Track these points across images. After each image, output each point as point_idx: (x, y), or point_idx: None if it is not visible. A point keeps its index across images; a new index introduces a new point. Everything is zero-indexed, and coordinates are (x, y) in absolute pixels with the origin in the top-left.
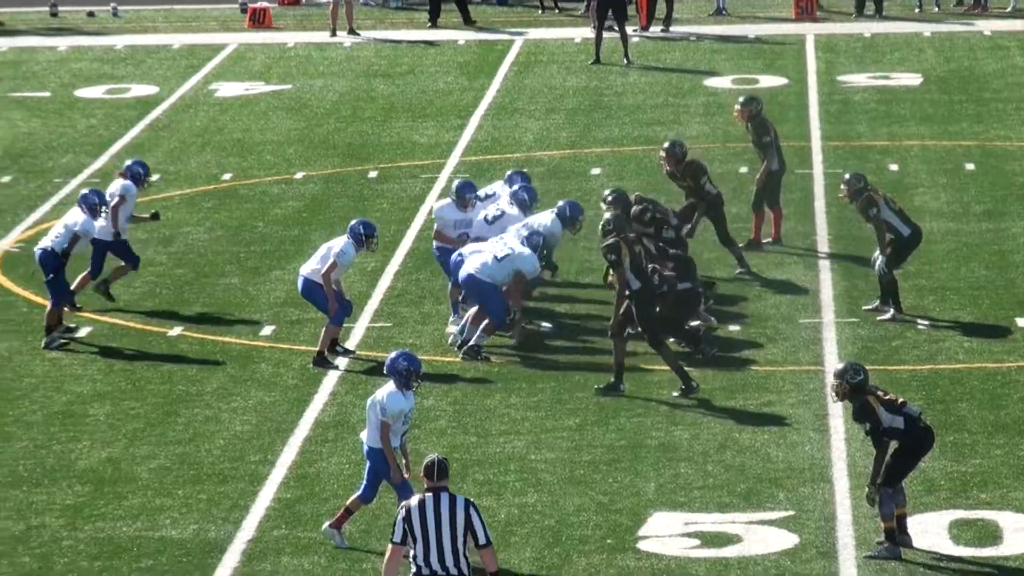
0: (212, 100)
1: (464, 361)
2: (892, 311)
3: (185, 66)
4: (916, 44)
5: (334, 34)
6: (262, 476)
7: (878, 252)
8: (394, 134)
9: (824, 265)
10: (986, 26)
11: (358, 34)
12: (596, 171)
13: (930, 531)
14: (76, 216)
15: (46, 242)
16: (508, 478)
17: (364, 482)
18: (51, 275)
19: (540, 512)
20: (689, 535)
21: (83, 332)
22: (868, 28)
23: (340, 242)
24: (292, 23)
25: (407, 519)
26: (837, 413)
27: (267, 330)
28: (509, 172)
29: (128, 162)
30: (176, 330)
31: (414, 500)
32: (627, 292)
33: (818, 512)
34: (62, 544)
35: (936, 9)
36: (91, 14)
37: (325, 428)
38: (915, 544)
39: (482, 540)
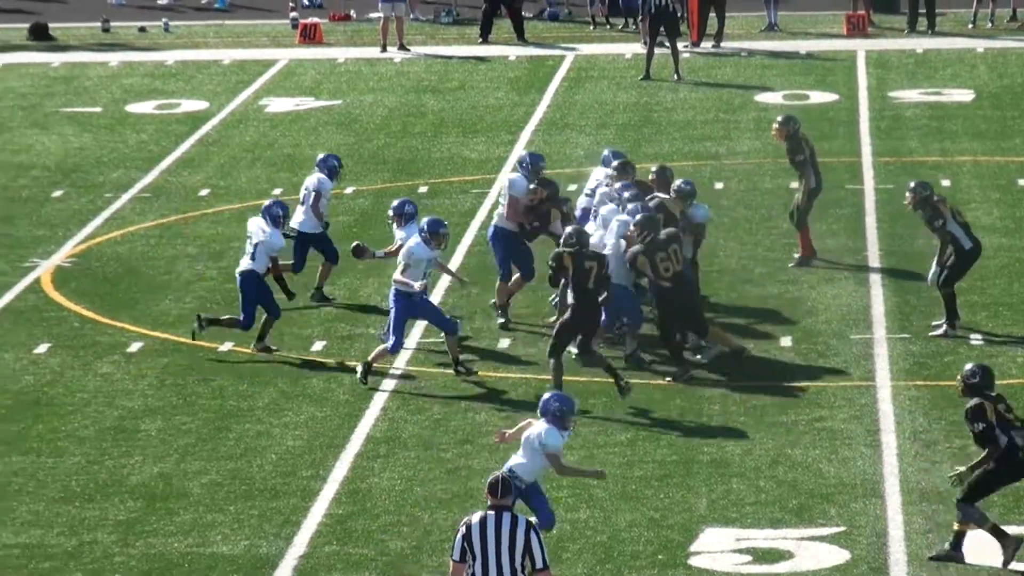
0: (262, 115)
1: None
2: (945, 326)
3: (235, 81)
4: (969, 60)
5: (384, 49)
6: (314, 491)
7: (935, 264)
8: (444, 149)
9: (875, 280)
10: None
11: (408, 50)
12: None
13: (982, 547)
14: (260, 231)
15: (245, 263)
16: (560, 494)
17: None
18: (250, 296)
19: (592, 528)
20: (741, 551)
21: (134, 347)
22: (920, 44)
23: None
24: (343, 39)
25: (467, 536)
26: (889, 428)
27: (318, 345)
28: (605, 152)
29: (321, 156)
30: (227, 345)
31: (475, 517)
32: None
33: (870, 528)
34: (114, 560)
35: (990, 25)
36: (143, 30)
37: (376, 443)
38: (969, 560)
39: (539, 564)
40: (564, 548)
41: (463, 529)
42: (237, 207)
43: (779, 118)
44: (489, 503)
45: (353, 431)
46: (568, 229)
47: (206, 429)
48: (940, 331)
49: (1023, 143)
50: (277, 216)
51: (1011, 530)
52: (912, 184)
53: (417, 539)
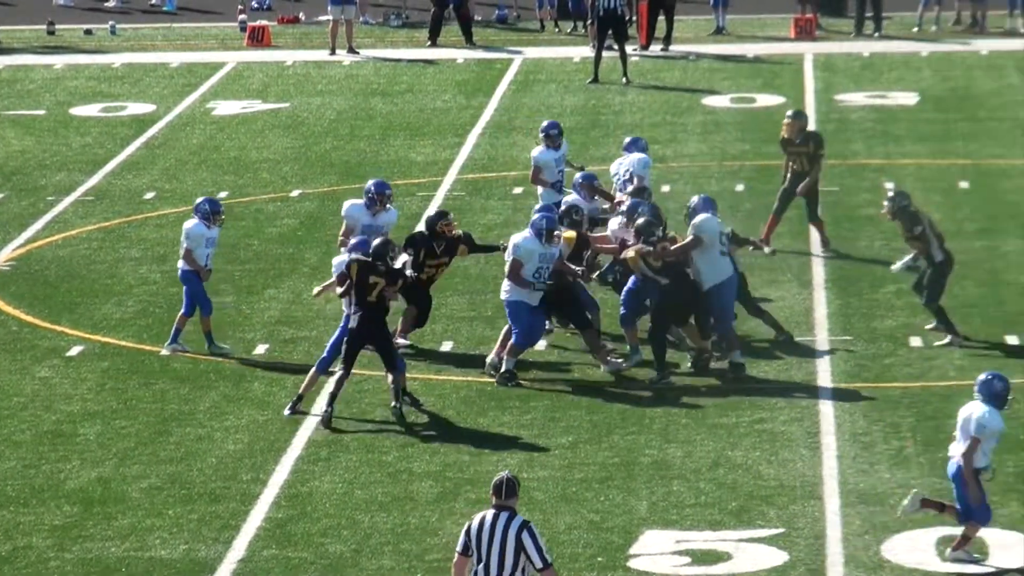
0: (209, 118)
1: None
2: (950, 337)
3: (183, 84)
4: (914, 63)
5: (333, 52)
6: (254, 495)
7: (910, 258)
8: (392, 152)
9: (818, 283)
10: (983, 46)
11: (357, 52)
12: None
13: (918, 548)
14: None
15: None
16: None
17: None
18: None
19: None
20: (680, 553)
21: (74, 351)
22: (867, 47)
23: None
24: (291, 41)
25: (468, 532)
26: (829, 430)
27: (261, 349)
28: (627, 140)
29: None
30: (169, 349)
31: (478, 516)
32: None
33: (808, 530)
34: (49, 565)
35: (935, 28)
36: (88, 32)
37: (318, 447)
38: (903, 561)
39: (538, 564)
40: None
41: (467, 525)
42: (183, 210)
43: (790, 112)
44: (493, 503)
45: (294, 435)
46: (378, 241)
47: (146, 433)
48: (946, 340)
49: (965, 146)
50: (206, 212)
51: (945, 531)
52: (891, 194)
53: (357, 542)
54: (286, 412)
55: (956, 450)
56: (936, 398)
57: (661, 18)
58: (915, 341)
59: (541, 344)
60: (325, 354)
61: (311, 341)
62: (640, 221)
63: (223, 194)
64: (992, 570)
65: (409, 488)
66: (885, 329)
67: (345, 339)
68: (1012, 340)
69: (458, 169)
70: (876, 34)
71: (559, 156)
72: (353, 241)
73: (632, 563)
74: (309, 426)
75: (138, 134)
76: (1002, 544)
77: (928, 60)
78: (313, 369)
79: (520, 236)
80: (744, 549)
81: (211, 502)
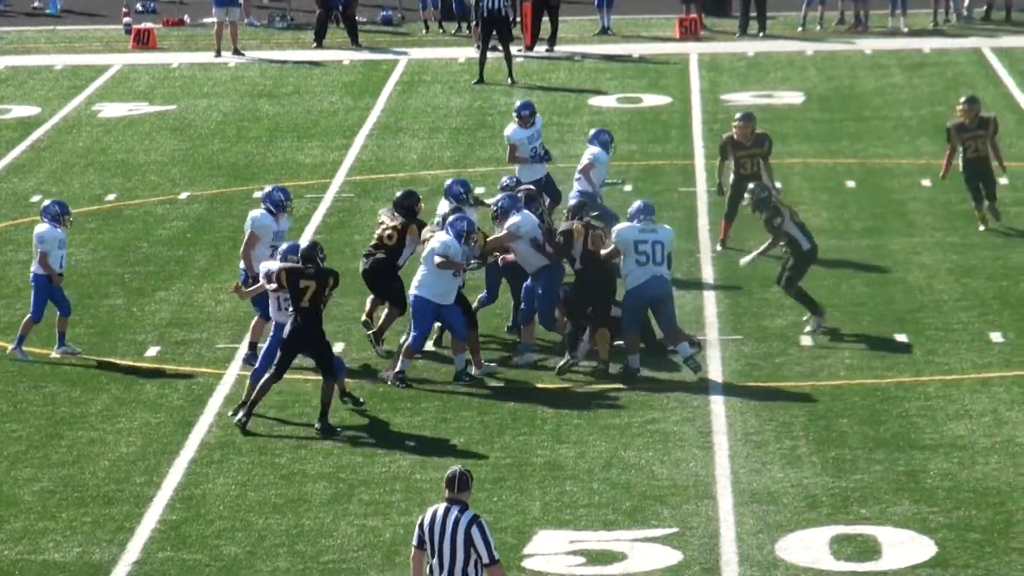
0: (96, 121)
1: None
2: (814, 319)
3: (68, 87)
4: (799, 63)
5: (219, 54)
6: (148, 498)
7: (757, 252)
8: (279, 154)
9: (708, 283)
10: (867, 45)
11: (243, 54)
12: (480, 190)
13: (812, 547)
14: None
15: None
16: (394, 498)
17: None
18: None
19: None
20: (574, 553)
21: None
22: (752, 47)
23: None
24: (177, 43)
25: (421, 525)
26: (721, 430)
27: (152, 351)
28: (591, 132)
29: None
30: (59, 351)
31: (430, 509)
32: None
33: (702, 529)
34: None
35: (819, 28)
36: None
37: (211, 449)
38: (797, 560)
39: (486, 559)
40: (397, 552)
41: (419, 518)
42: (71, 213)
43: (739, 115)
44: (445, 496)
45: (187, 437)
46: (305, 244)
47: (38, 436)
48: (812, 327)
49: (851, 145)
50: (55, 214)
51: (838, 530)
52: (751, 186)
53: (251, 544)
54: (237, 420)
55: None
56: (827, 397)
57: (545, 18)
58: (805, 340)
59: (429, 345)
60: (258, 364)
61: (202, 343)
62: (574, 203)
63: (111, 197)
64: (885, 569)
65: (303, 490)
66: (775, 328)
67: (280, 344)
68: (901, 338)
69: (346, 171)
70: (760, 34)
71: (532, 133)
72: (284, 247)
73: (526, 563)
74: (202, 429)
75: (23, 137)
76: (894, 542)
77: (813, 59)
78: (249, 380)
79: (440, 238)
80: (639, 549)
81: (104, 505)
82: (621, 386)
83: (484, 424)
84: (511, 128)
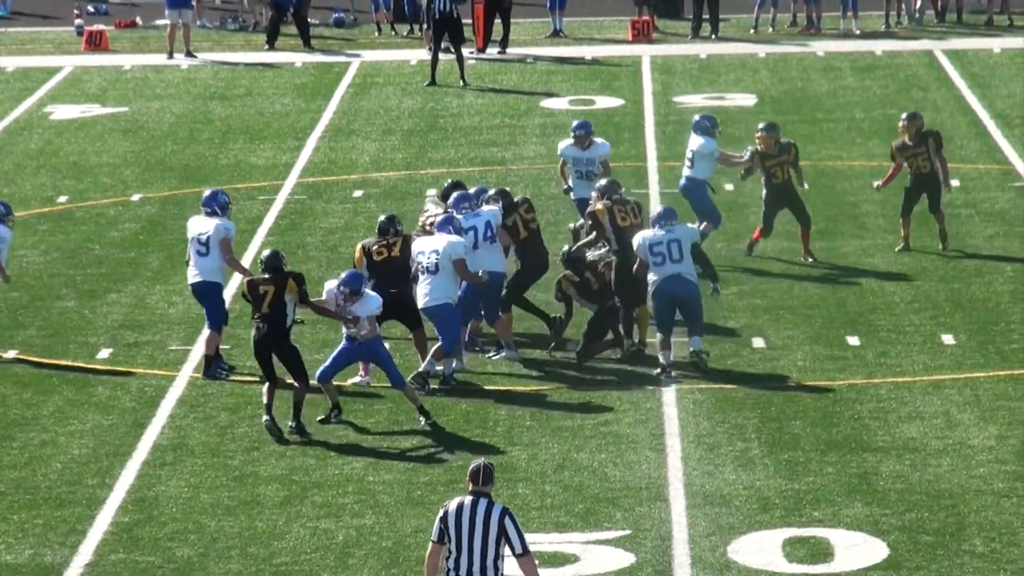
0: (47, 123)
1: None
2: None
3: (19, 89)
4: (751, 65)
5: (171, 56)
6: (100, 500)
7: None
8: (231, 156)
9: None
10: (819, 47)
11: (195, 56)
12: (432, 192)
13: (764, 549)
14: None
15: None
16: (346, 500)
17: None
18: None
19: (377, 534)
20: None
21: None
22: (704, 49)
23: None
24: (129, 45)
25: (444, 519)
26: (673, 432)
27: (104, 353)
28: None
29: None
30: (11, 353)
31: (453, 503)
32: None
33: (655, 531)
34: None
35: (771, 30)
36: None
37: (163, 451)
38: (749, 562)
39: (518, 549)
40: (350, 554)
41: (441, 512)
42: (22, 215)
43: (762, 125)
44: (469, 488)
45: (139, 439)
46: (268, 252)
47: None
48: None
49: (803, 147)
50: (1, 215)
51: (791, 532)
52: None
53: (204, 546)
54: (290, 427)
55: None
56: (779, 399)
57: (497, 20)
58: (758, 342)
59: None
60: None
61: (154, 345)
62: (603, 182)
63: (63, 198)
64: (837, 571)
65: (255, 492)
66: (727, 330)
67: (253, 353)
68: (853, 340)
69: (298, 172)
70: (713, 36)
71: (582, 156)
72: (343, 275)
73: None
74: (154, 430)
75: None
76: (847, 545)
77: (765, 62)
78: (319, 382)
79: (450, 239)
80: (591, 551)
81: (57, 507)
82: (573, 388)
83: (437, 425)
84: (564, 143)
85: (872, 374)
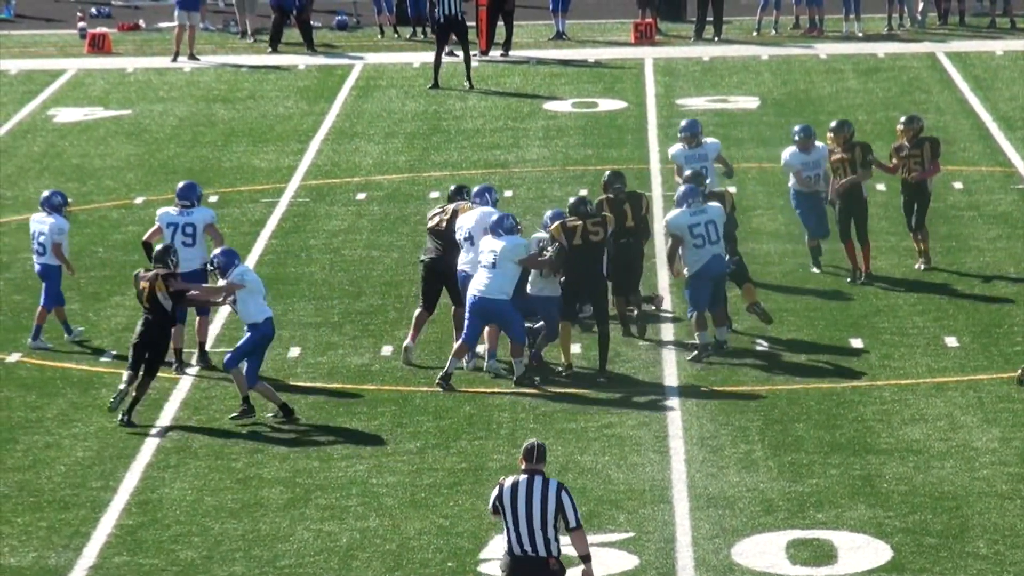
0: (50, 126)
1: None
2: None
3: (23, 92)
4: (754, 67)
5: (176, 58)
6: (104, 502)
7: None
8: (234, 159)
9: (663, 286)
10: (822, 49)
11: (198, 59)
12: (435, 195)
13: (768, 551)
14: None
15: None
16: (350, 502)
17: None
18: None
19: (381, 536)
20: None
21: None
22: (707, 52)
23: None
24: (132, 48)
25: (499, 497)
26: (677, 434)
27: (108, 356)
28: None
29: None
30: (15, 356)
31: (508, 480)
32: None
33: (658, 534)
34: None
35: (774, 32)
36: None
37: (167, 454)
38: (753, 564)
39: (572, 523)
40: (354, 556)
41: (497, 490)
42: (25, 217)
43: (833, 124)
44: (523, 467)
45: (143, 442)
46: (160, 247)
47: None
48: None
49: None
50: (58, 204)
51: (795, 534)
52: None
53: (208, 548)
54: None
55: None
56: (783, 401)
57: (501, 23)
58: (761, 344)
59: (387, 350)
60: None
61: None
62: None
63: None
64: (841, 573)
65: (259, 494)
66: (731, 333)
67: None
68: (856, 342)
69: (301, 175)
70: (716, 38)
71: (693, 154)
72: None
73: (483, 568)
74: (158, 433)
75: None
76: (850, 547)
77: (768, 64)
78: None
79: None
80: (594, 553)
81: (61, 509)
82: (576, 390)
83: (440, 429)
84: (675, 147)
85: (875, 376)
